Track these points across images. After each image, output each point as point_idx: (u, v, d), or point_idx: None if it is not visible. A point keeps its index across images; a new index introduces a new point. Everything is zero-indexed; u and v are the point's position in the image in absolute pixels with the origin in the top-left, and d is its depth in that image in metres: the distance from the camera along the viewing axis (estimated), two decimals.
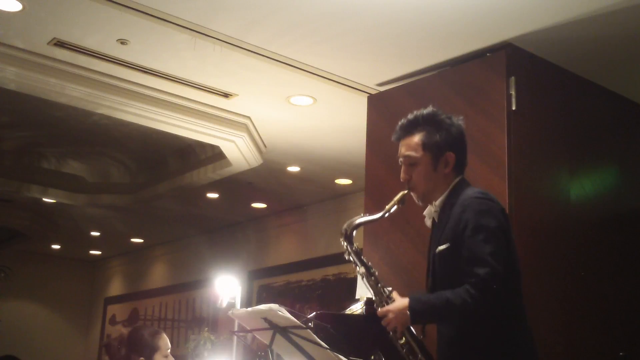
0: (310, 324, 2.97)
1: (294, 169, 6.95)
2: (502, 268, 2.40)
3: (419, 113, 2.72)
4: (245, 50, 4.47)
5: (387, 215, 2.73)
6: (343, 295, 6.99)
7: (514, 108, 3.87)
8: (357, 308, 3.53)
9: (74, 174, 8.35)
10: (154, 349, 3.27)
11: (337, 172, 6.98)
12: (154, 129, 5.91)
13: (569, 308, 3.93)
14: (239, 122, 5.77)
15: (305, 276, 8.24)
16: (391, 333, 2.57)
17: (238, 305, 5.15)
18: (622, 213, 4.46)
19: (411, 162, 2.68)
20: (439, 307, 2.45)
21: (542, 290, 3.72)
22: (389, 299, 2.59)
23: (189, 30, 4.26)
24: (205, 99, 5.42)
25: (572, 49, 4.11)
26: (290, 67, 4.67)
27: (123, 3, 4.03)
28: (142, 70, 4.96)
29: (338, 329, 3.04)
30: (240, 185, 7.50)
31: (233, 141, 5.95)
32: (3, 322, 10.62)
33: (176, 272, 10.71)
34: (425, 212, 2.77)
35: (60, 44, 4.62)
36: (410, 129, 2.71)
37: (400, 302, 2.53)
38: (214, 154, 6.78)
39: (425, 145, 2.66)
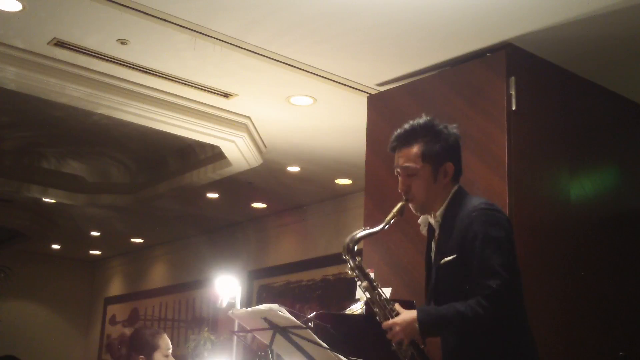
0: (310, 324, 2.97)
1: (294, 169, 6.94)
2: (512, 278, 2.42)
3: (416, 123, 2.66)
4: (245, 50, 4.48)
5: (387, 227, 2.67)
6: (343, 295, 6.97)
7: (514, 108, 3.87)
8: (357, 308, 3.52)
9: (74, 174, 8.35)
10: (154, 347, 3.29)
11: (337, 172, 6.97)
12: (154, 129, 5.91)
13: (569, 308, 3.93)
14: (239, 122, 5.77)
15: (305, 276, 8.24)
16: (394, 345, 2.54)
17: (238, 305, 5.14)
18: (622, 213, 4.45)
19: (410, 173, 2.62)
20: (449, 319, 2.41)
21: (542, 290, 3.72)
22: (392, 312, 2.56)
23: (189, 30, 4.26)
24: (205, 99, 5.42)
25: (572, 49, 4.11)
26: (290, 67, 4.67)
27: (123, 3, 4.03)
28: (142, 70, 4.96)
29: (338, 329, 3.04)
30: (240, 185, 7.50)
31: (233, 141, 5.95)
32: (3, 322, 10.60)
33: (176, 272, 10.71)
34: (420, 221, 2.75)
35: (60, 44, 4.62)
36: (407, 139, 2.65)
37: (406, 314, 2.50)
38: (214, 154, 6.78)
39: (424, 157, 2.62)
